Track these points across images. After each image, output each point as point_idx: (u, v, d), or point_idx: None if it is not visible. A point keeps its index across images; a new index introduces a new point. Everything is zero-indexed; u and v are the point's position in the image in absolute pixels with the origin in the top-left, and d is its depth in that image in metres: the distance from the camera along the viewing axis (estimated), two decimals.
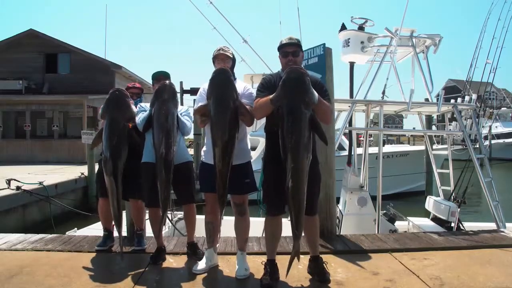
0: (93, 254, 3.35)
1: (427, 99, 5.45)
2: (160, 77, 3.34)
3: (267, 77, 2.85)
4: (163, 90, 3.06)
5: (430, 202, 5.65)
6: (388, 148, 14.73)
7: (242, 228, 2.96)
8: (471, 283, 2.75)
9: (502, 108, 32.92)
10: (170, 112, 3.00)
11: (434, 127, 12.64)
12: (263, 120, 2.77)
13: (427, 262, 3.18)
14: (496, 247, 3.61)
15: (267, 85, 2.72)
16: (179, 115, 3.14)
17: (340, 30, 5.49)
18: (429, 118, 11.97)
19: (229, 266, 3.06)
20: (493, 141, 28.28)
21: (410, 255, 3.35)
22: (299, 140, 2.42)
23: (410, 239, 3.88)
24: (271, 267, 2.74)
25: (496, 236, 4.01)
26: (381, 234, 4.38)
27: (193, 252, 3.27)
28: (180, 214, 5.54)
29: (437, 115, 7.04)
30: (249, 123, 2.82)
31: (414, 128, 6.78)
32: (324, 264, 2.81)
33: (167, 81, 3.17)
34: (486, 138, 27.77)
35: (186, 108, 3.46)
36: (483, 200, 5.24)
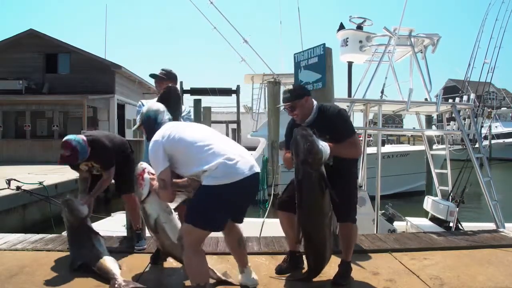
0: None
1: (426, 99, 5.46)
2: (157, 76, 3.32)
3: (289, 123, 2.93)
4: (168, 95, 3.05)
5: (428, 202, 5.66)
6: (388, 148, 14.74)
7: None
8: (471, 283, 2.75)
9: (502, 108, 32.92)
10: (174, 120, 3.03)
11: (434, 127, 12.64)
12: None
13: (427, 262, 3.19)
14: (496, 247, 3.62)
15: (286, 132, 2.87)
16: (182, 121, 3.16)
17: (339, 30, 5.49)
18: (429, 118, 11.98)
19: (229, 266, 3.05)
20: (493, 141, 28.28)
21: (410, 255, 3.36)
22: (306, 200, 2.53)
23: (410, 239, 3.88)
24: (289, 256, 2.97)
25: (496, 236, 4.02)
26: (381, 234, 4.38)
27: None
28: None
29: (437, 115, 7.05)
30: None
31: (414, 128, 6.79)
32: (347, 273, 2.81)
33: (171, 85, 3.15)
34: (486, 138, 27.80)
35: (188, 110, 3.43)
36: (482, 200, 5.25)
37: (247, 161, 2.22)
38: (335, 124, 2.67)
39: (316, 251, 2.69)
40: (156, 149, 2.21)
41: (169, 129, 2.29)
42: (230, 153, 2.17)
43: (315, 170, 2.48)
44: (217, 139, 2.29)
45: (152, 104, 2.66)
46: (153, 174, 2.51)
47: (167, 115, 2.53)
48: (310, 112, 2.77)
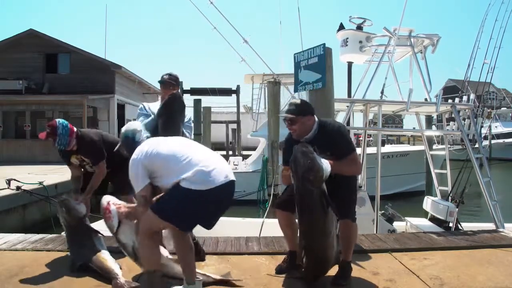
0: None
1: (426, 99, 5.46)
2: (166, 82, 3.32)
3: (287, 138, 2.93)
4: (173, 101, 3.08)
5: (428, 202, 5.67)
6: (388, 148, 14.73)
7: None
8: (471, 283, 2.75)
9: (502, 108, 32.91)
10: (176, 128, 3.08)
11: (434, 127, 12.65)
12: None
13: (427, 262, 3.19)
14: (496, 247, 3.62)
15: (285, 147, 2.87)
16: (183, 129, 3.20)
17: (338, 30, 5.50)
18: (429, 118, 11.99)
19: (229, 266, 3.05)
20: (493, 141, 28.28)
21: (410, 255, 3.36)
22: (308, 219, 2.52)
23: (410, 239, 3.89)
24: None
25: (496, 236, 4.02)
26: (381, 234, 4.39)
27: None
28: None
29: (437, 115, 7.06)
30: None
31: (414, 128, 6.79)
32: (348, 273, 2.80)
33: (176, 92, 3.18)
34: (486, 138, 27.79)
35: (189, 118, 3.45)
36: (481, 200, 5.26)
37: (222, 170, 2.29)
38: (334, 140, 2.67)
39: (317, 270, 2.68)
40: (136, 167, 2.29)
41: (146, 146, 2.36)
42: (206, 161, 2.26)
43: (316, 188, 2.45)
44: (194, 149, 2.37)
45: (129, 124, 2.72)
46: (118, 204, 2.62)
47: (145, 133, 2.63)
48: (309, 130, 2.75)
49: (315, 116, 2.80)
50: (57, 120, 3.25)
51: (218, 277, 2.74)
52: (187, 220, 2.27)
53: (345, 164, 2.64)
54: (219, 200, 2.29)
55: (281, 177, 2.83)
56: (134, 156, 2.32)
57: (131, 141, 2.52)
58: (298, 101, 2.85)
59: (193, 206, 2.20)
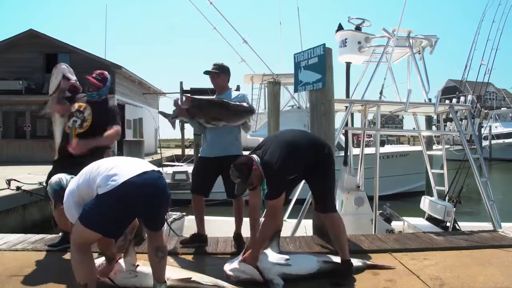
0: (95, 255, 3.34)
1: (425, 100, 5.47)
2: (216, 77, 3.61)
3: None
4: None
5: (425, 202, 5.68)
6: (388, 149, 14.74)
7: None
8: (471, 283, 2.75)
9: (502, 108, 32.91)
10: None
11: (434, 128, 12.68)
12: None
13: (427, 262, 3.19)
14: (496, 247, 3.62)
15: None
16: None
17: (337, 30, 5.50)
18: (429, 119, 11.98)
19: None
20: (493, 141, 28.29)
21: (410, 255, 3.35)
22: None
23: (410, 239, 3.88)
24: None
25: (496, 236, 4.02)
26: (380, 234, 4.39)
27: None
28: (175, 214, 5.54)
29: (437, 116, 7.09)
30: None
31: (414, 129, 6.79)
32: (348, 272, 2.79)
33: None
34: (486, 138, 27.80)
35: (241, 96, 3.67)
36: (478, 200, 5.27)
37: (133, 168, 2.21)
38: None
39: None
40: (69, 207, 2.28)
41: (70, 185, 2.36)
42: (114, 167, 2.21)
43: None
44: (107, 162, 2.30)
45: (50, 180, 2.62)
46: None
47: (65, 178, 2.53)
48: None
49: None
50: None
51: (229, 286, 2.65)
52: (109, 225, 2.17)
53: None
54: (137, 195, 2.16)
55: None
56: (65, 198, 2.31)
57: (62, 191, 2.41)
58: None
59: (109, 209, 2.12)
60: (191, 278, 2.63)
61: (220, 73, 3.54)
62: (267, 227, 2.72)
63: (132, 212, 2.26)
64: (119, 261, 2.65)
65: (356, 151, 6.26)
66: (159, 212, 2.35)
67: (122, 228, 2.32)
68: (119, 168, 2.20)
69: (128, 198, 2.14)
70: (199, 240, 3.52)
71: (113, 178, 2.14)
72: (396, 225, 5.54)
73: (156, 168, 2.32)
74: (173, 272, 2.66)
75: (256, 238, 2.78)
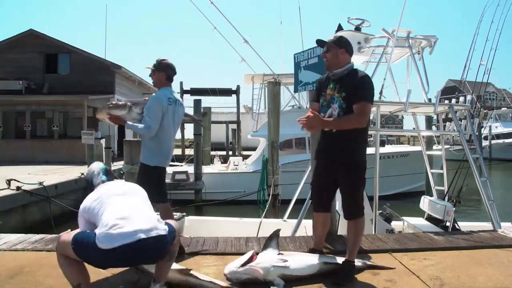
0: None
1: (426, 100, 5.47)
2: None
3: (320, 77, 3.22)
4: None
5: (425, 202, 5.68)
6: (389, 149, 14.74)
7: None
8: (471, 283, 2.75)
9: (502, 108, 32.91)
10: None
11: (434, 127, 12.68)
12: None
13: (427, 262, 3.19)
14: (496, 247, 3.62)
15: (316, 86, 3.19)
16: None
17: (337, 31, 5.50)
18: (429, 119, 11.99)
19: None
20: (493, 141, 28.31)
21: (410, 255, 3.35)
22: None
23: (410, 239, 3.88)
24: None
25: (496, 236, 4.02)
26: (381, 234, 4.39)
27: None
28: (175, 214, 5.55)
29: (437, 116, 7.10)
30: None
31: (413, 129, 6.79)
32: (349, 273, 2.81)
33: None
34: (486, 138, 27.82)
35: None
36: (478, 200, 5.27)
37: (138, 225, 2.14)
38: (360, 83, 2.80)
39: None
40: (79, 218, 2.40)
41: (87, 201, 2.38)
42: (120, 218, 2.16)
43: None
44: (111, 202, 2.28)
45: (91, 166, 2.75)
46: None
47: (100, 177, 2.61)
48: (339, 66, 2.90)
49: (351, 59, 2.97)
50: None
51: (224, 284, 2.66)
52: (95, 262, 2.22)
53: (345, 117, 2.79)
54: (124, 258, 2.16)
55: (307, 121, 2.74)
56: (80, 208, 2.39)
57: (90, 185, 2.62)
58: (340, 35, 3.07)
59: (101, 257, 2.13)
60: (191, 270, 2.66)
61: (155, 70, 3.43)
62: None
63: (124, 264, 2.45)
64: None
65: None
66: (156, 261, 2.37)
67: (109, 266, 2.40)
68: (120, 227, 2.12)
69: (120, 261, 2.24)
70: None
71: (111, 238, 2.09)
72: (396, 225, 5.54)
73: (159, 227, 2.21)
74: (173, 265, 2.67)
75: (339, 119, 2.84)
